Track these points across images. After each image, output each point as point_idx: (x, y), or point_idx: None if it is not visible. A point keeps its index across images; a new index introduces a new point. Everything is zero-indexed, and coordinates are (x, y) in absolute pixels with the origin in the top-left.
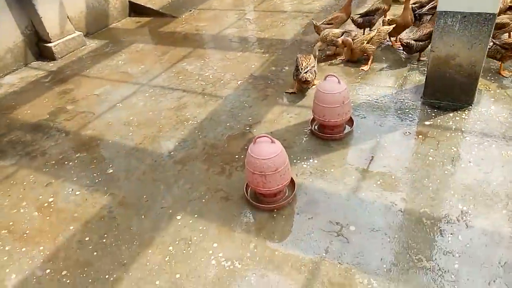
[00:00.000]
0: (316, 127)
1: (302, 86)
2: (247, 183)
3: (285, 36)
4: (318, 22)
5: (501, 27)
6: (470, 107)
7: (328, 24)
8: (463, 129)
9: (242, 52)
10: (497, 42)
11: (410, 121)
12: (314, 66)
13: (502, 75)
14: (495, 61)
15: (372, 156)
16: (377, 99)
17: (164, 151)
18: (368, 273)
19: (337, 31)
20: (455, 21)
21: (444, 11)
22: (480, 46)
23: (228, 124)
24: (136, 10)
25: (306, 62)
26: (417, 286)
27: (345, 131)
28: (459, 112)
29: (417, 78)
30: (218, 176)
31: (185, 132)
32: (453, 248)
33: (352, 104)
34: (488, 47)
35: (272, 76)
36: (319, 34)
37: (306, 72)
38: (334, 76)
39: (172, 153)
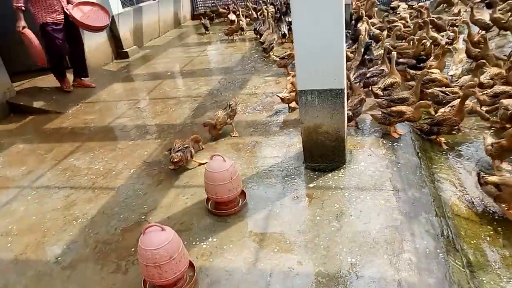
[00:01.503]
0: (211, 205)
1: (174, 166)
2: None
3: (176, 121)
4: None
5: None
6: (344, 166)
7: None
8: (341, 187)
9: (134, 141)
10: (384, 111)
11: (296, 186)
12: (188, 147)
13: (393, 136)
14: (351, 125)
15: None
16: (266, 170)
17: (50, 257)
18: None
19: (223, 114)
20: (314, 97)
21: (304, 90)
22: (338, 115)
23: (121, 216)
24: (17, 110)
25: (181, 143)
26: None
27: (240, 204)
28: (336, 171)
29: (298, 146)
30: (113, 274)
31: (74, 232)
32: None
33: (243, 177)
34: (379, 115)
35: (165, 160)
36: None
37: (176, 152)
38: (219, 155)
39: (59, 258)
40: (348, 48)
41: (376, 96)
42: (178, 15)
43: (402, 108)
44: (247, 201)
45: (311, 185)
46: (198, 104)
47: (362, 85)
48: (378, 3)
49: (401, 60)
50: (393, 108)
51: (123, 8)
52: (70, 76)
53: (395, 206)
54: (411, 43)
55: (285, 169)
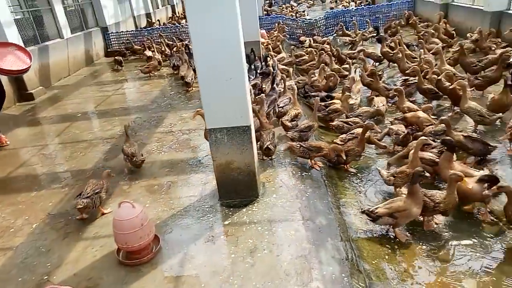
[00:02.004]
0: (123, 255)
1: (81, 214)
2: None
3: (86, 166)
4: None
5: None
6: (258, 199)
7: None
8: (255, 221)
9: (37, 191)
10: (304, 145)
11: (212, 225)
12: (99, 192)
13: (314, 167)
14: (267, 158)
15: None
16: (181, 211)
17: None
18: None
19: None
20: (223, 135)
21: (213, 128)
22: (248, 150)
23: (20, 279)
24: None
25: (92, 188)
26: None
27: (154, 250)
28: (250, 206)
29: (214, 183)
30: None
31: None
32: None
33: (158, 221)
34: (298, 149)
35: (73, 211)
36: None
37: (84, 198)
38: (128, 202)
39: None
40: (261, 81)
41: (286, 127)
42: (90, 53)
43: (321, 144)
44: (161, 246)
45: (226, 222)
46: (111, 146)
47: (275, 112)
48: (288, 39)
49: (313, 93)
50: (312, 144)
51: (25, 47)
52: None
53: (304, 235)
54: (322, 77)
55: (201, 208)
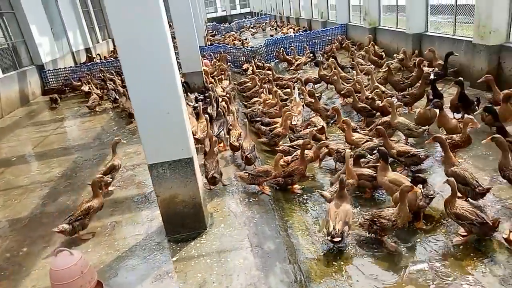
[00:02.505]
0: None
1: None
2: None
3: (21, 214)
4: None
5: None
6: (206, 230)
7: None
8: (203, 253)
9: None
10: (252, 173)
11: (159, 263)
12: (82, 219)
13: (264, 193)
14: (215, 187)
15: None
16: (127, 251)
17: None
18: None
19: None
20: (165, 169)
21: (154, 163)
22: (192, 183)
23: None
24: None
25: (76, 214)
26: None
27: None
28: (198, 238)
29: (160, 219)
30: None
31: None
32: None
33: (101, 265)
34: (247, 177)
35: (6, 264)
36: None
37: (67, 223)
38: (64, 249)
39: None
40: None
41: (234, 148)
42: (25, 92)
43: (268, 168)
44: None
45: (174, 259)
46: (50, 190)
47: (225, 134)
48: (232, 67)
49: (257, 118)
50: (260, 169)
51: None
52: None
53: (253, 263)
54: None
55: (147, 247)
